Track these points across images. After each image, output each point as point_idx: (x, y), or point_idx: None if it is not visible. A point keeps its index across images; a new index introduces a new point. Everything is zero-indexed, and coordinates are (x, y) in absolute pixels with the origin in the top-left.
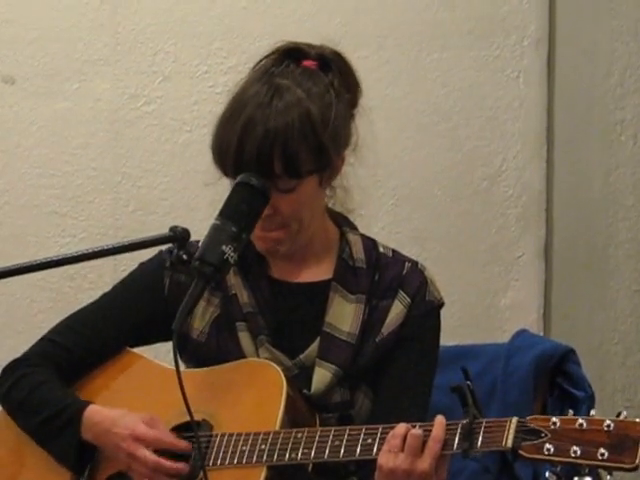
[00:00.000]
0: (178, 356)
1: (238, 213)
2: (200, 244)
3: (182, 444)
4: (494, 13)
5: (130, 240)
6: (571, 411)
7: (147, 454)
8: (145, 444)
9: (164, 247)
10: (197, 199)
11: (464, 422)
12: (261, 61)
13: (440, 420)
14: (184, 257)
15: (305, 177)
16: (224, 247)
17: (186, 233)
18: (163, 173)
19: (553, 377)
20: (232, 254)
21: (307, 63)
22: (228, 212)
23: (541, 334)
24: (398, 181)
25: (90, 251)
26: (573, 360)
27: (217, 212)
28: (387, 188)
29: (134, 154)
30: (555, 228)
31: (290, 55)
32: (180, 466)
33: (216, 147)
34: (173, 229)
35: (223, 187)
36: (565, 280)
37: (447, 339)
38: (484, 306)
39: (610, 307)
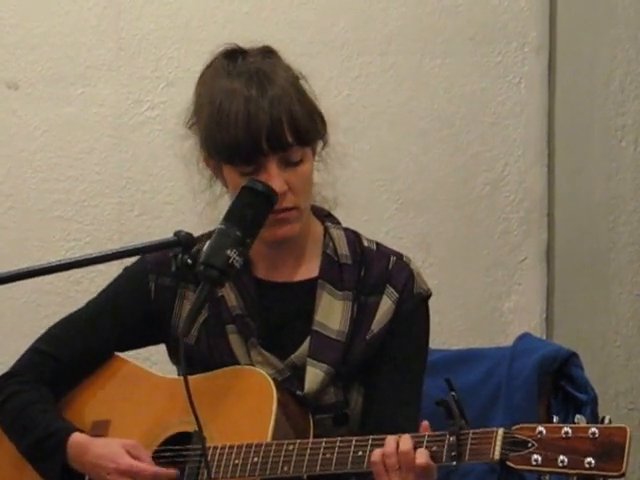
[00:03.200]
0: (171, 358)
1: (242, 218)
2: (204, 249)
3: (165, 472)
4: (495, 20)
5: (136, 244)
6: (556, 418)
7: None
8: (130, 476)
9: None
10: (202, 203)
11: (451, 438)
12: (210, 66)
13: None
14: (188, 261)
15: (310, 144)
16: (229, 251)
17: (190, 237)
18: (167, 178)
19: (556, 380)
20: (237, 258)
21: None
22: (233, 217)
23: (544, 338)
24: (401, 186)
25: (96, 255)
26: (576, 363)
27: (222, 217)
28: (391, 193)
29: (138, 159)
30: (557, 232)
31: (235, 53)
32: None
33: (219, 134)
34: (177, 233)
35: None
36: (567, 284)
37: (450, 343)
38: (487, 310)
39: (612, 310)
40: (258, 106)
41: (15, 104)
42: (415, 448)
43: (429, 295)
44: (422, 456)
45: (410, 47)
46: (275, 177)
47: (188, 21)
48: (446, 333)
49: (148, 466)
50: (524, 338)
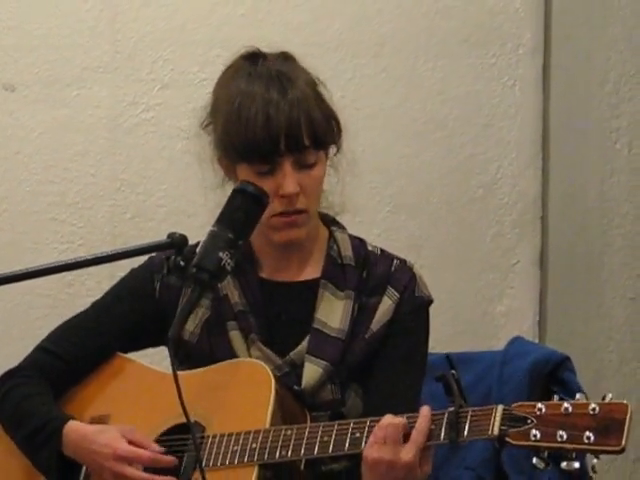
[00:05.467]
0: (174, 358)
1: (235, 220)
2: (197, 251)
3: (164, 459)
4: (490, 21)
5: (128, 247)
6: (556, 396)
7: (134, 472)
8: (128, 462)
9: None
10: (195, 206)
11: (450, 411)
12: (229, 68)
13: (425, 412)
14: (181, 263)
15: (325, 148)
16: (221, 254)
17: (184, 240)
18: (161, 180)
19: (548, 385)
20: (229, 261)
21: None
22: (225, 219)
23: (536, 341)
24: (394, 188)
25: (89, 258)
26: (568, 368)
27: (215, 219)
28: (383, 195)
29: (133, 161)
30: (550, 236)
31: (255, 56)
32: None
33: (237, 132)
34: (171, 236)
35: (222, 193)
36: (560, 287)
37: (442, 346)
38: (479, 313)
39: (605, 315)
40: (278, 108)
41: (11, 106)
42: (406, 434)
43: (430, 301)
44: (409, 452)
45: (404, 49)
46: (289, 178)
47: (184, 23)
48: (437, 336)
49: (146, 452)
50: (516, 342)
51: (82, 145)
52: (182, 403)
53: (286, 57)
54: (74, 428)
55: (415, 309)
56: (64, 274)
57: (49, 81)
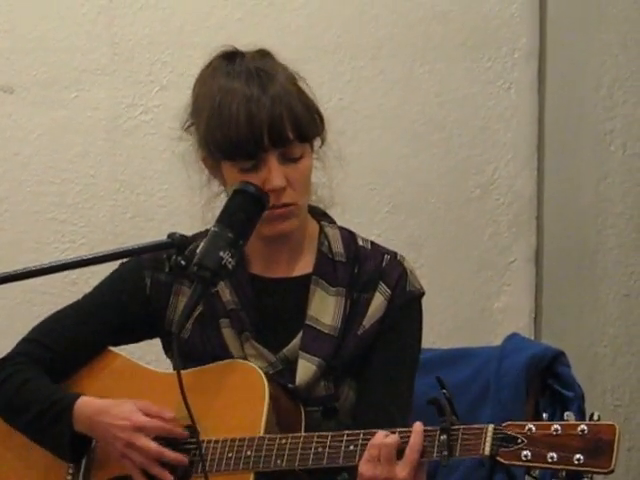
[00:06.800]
0: (166, 352)
1: (235, 220)
2: (198, 250)
3: (180, 431)
4: (486, 26)
5: (130, 246)
6: (545, 415)
7: (149, 443)
8: (145, 433)
9: None
10: (194, 206)
11: (442, 435)
12: (208, 67)
13: (418, 428)
14: (182, 263)
15: (309, 141)
16: (222, 253)
17: (184, 239)
18: (161, 180)
19: (544, 378)
20: (230, 260)
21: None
22: (225, 219)
23: (532, 337)
24: (393, 189)
25: (90, 257)
26: (563, 362)
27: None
28: (383, 195)
29: (132, 162)
30: (546, 235)
31: (233, 55)
32: (180, 457)
33: (220, 131)
34: (171, 235)
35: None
36: (556, 285)
37: (441, 342)
38: (477, 310)
39: (599, 311)
40: (259, 104)
41: (10, 108)
42: (400, 449)
43: (422, 294)
44: (403, 470)
45: (401, 52)
46: (275, 172)
47: (182, 26)
48: (437, 332)
49: (164, 423)
50: (513, 338)
51: (81, 146)
52: (187, 406)
53: (264, 54)
54: (87, 403)
55: (407, 304)
56: (68, 272)
57: (47, 83)
